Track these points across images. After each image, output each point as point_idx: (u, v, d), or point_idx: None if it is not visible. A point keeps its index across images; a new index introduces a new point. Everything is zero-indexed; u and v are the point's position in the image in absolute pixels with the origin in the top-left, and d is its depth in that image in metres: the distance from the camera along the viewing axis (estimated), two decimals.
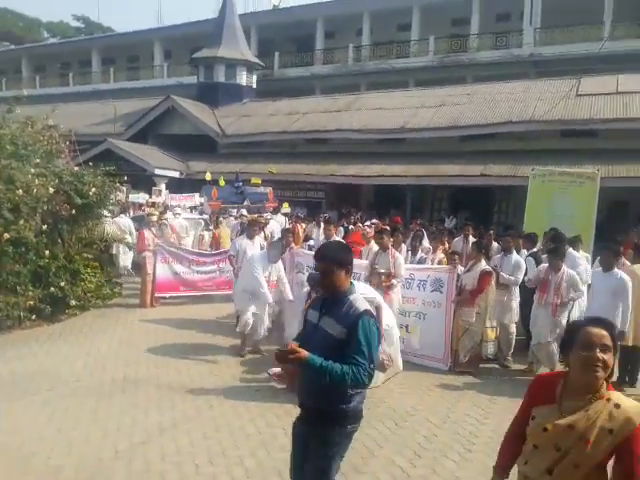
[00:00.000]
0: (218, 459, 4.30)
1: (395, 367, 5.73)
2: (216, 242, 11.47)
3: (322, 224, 11.13)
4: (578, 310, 6.89)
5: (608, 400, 2.06)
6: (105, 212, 10.11)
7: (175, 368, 6.45)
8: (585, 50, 22.15)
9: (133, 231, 12.09)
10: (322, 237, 10.03)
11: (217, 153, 22.85)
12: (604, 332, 2.08)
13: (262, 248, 8.85)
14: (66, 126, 11.61)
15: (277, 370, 6.27)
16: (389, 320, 5.59)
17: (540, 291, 6.61)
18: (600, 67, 20.31)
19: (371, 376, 2.75)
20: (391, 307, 6.38)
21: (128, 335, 7.85)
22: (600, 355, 2.05)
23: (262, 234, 10.76)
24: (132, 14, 61.10)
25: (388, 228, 8.55)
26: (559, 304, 6.43)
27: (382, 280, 6.57)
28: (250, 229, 8.75)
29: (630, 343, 6.34)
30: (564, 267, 6.52)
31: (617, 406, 2.03)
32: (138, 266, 10.31)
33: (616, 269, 6.12)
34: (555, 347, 6.53)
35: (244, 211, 14.00)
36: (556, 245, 7.09)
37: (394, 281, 6.66)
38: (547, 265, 6.69)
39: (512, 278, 7.02)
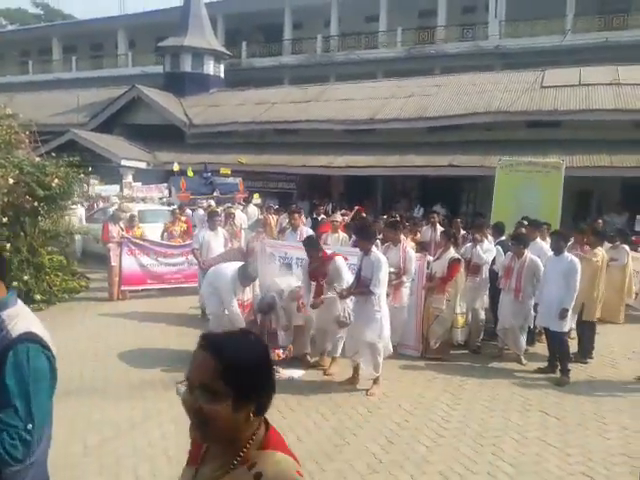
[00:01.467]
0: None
1: (386, 351, 5.74)
2: (188, 233, 11.31)
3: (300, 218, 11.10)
4: None
5: (251, 467, 1.38)
6: (71, 204, 9.86)
7: (145, 362, 6.36)
8: (549, 43, 22.61)
9: (84, 221, 12.10)
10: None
11: (185, 143, 22.49)
12: (210, 361, 1.36)
13: (226, 240, 8.83)
14: (26, 116, 11.26)
15: None
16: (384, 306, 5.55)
17: (504, 277, 6.82)
18: (564, 59, 20.78)
19: (28, 444, 1.77)
20: (401, 304, 6.43)
21: (96, 329, 7.71)
22: (191, 400, 1.36)
23: (230, 225, 10.69)
24: (93, 1, 59.22)
25: (397, 219, 8.62)
26: (522, 289, 6.62)
27: (391, 279, 6.19)
28: (212, 220, 8.67)
29: (591, 318, 6.65)
30: (527, 253, 6.70)
31: (257, 477, 1.35)
32: (103, 258, 10.11)
33: (566, 253, 6.32)
34: (520, 332, 6.73)
35: (212, 202, 13.85)
36: (518, 232, 7.33)
37: (404, 278, 6.55)
38: (510, 253, 6.87)
39: (483, 256, 7.21)
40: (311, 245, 6.14)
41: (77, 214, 11.97)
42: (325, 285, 5.89)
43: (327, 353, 6.27)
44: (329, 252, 6.23)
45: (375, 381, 5.66)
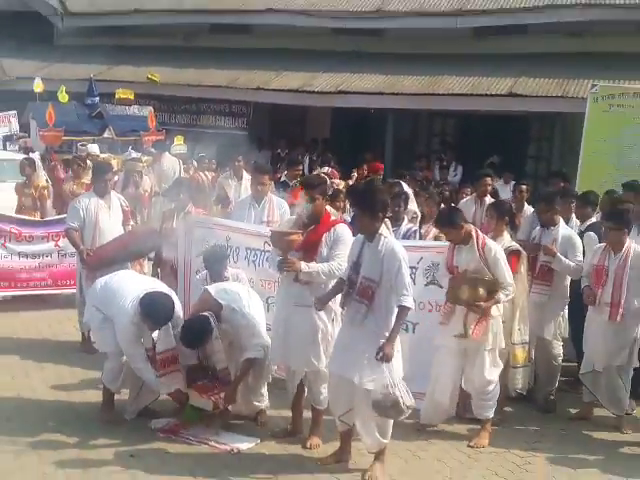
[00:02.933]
0: None
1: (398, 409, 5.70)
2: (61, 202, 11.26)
3: (245, 174, 11.09)
4: None
5: None
6: None
7: None
8: None
9: None
10: (245, 195, 9.94)
11: (54, 45, 22.24)
12: None
13: (125, 213, 8.78)
14: None
15: (165, 422, 6.33)
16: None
17: (595, 285, 6.85)
18: None
19: None
20: (484, 342, 6.43)
21: None
22: None
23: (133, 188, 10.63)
24: None
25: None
26: (623, 304, 6.68)
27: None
28: (100, 180, 8.63)
29: None
30: (630, 243, 6.80)
31: None
32: None
33: None
34: (621, 377, 6.84)
35: (95, 148, 13.78)
36: (616, 207, 7.38)
37: (501, 296, 6.51)
38: (602, 244, 6.96)
39: (570, 264, 7.14)
40: (313, 188, 6.15)
41: None
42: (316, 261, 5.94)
43: (304, 403, 6.35)
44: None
45: (378, 456, 5.72)
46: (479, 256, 6.30)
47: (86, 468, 5.56)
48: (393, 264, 5.44)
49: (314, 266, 5.81)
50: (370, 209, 5.59)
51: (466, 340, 6.30)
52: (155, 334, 6.32)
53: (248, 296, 6.41)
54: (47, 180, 12.27)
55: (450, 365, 6.44)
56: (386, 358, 5.37)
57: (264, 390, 6.58)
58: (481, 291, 6.21)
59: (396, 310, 5.46)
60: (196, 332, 6.07)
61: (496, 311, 6.38)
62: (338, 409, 5.78)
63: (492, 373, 6.36)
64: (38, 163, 12.54)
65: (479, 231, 6.56)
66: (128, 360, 6.24)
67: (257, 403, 6.58)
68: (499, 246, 6.52)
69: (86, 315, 6.97)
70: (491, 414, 6.44)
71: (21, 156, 13.74)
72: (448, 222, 6.47)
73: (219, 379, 6.25)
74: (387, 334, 5.44)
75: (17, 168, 12.09)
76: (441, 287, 6.86)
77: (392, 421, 5.61)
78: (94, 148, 13.77)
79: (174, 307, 6.21)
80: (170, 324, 6.22)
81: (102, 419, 6.45)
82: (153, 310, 6.01)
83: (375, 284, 5.50)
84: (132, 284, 6.35)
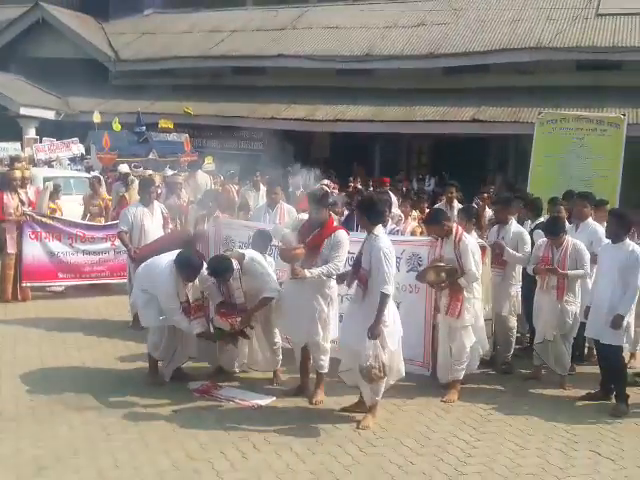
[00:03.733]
0: None
1: (395, 374, 5.84)
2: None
3: (262, 186, 11.16)
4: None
5: None
6: None
7: (56, 385, 6.33)
8: None
9: None
10: (261, 202, 10.05)
11: (109, 85, 22.28)
12: None
13: (165, 219, 8.84)
14: None
15: (199, 384, 6.35)
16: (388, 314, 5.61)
17: (542, 274, 6.92)
18: None
19: None
20: (462, 320, 6.43)
21: None
22: None
23: (175, 198, 10.66)
24: None
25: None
26: (567, 286, 6.74)
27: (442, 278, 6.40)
28: (145, 192, 8.70)
29: None
30: (567, 238, 6.85)
31: None
32: None
33: (627, 241, 6.42)
34: (564, 345, 6.86)
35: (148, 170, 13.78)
36: (554, 216, 7.43)
37: (463, 280, 6.48)
38: (546, 240, 6.99)
39: (519, 255, 7.20)
40: (318, 200, 6.15)
41: None
42: (318, 262, 5.96)
43: (310, 368, 6.35)
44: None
45: (371, 409, 5.74)
46: (453, 248, 6.36)
47: (136, 421, 5.58)
48: (378, 258, 5.51)
49: (315, 271, 5.86)
50: (369, 215, 5.75)
51: (446, 318, 6.45)
52: (188, 289, 6.39)
53: (265, 261, 6.50)
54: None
55: (441, 337, 6.61)
56: (373, 337, 5.48)
57: (278, 340, 6.61)
58: (443, 275, 6.34)
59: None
60: (221, 263, 6.16)
61: (469, 294, 6.40)
62: (341, 366, 5.91)
63: (466, 345, 6.42)
64: (102, 180, 12.59)
65: (460, 228, 6.56)
66: (168, 315, 6.19)
67: (274, 356, 6.59)
68: (474, 241, 6.57)
69: (132, 297, 7.05)
70: (461, 376, 6.47)
71: (83, 174, 13.76)
72: (434, 221, 6.58)
73: (238, 310, 6.32)
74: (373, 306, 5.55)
75: (81, 184, 12.12)
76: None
77: (383, 383, 5.66)
78: (124, 168, 13.67)
79: (202, 264, 6.33)
80: (198, 280, 6.37)
81: (148, 382, 6.47)
82: (185, 263, 6.19)
83: (367, 272, 5.61)
84: (166, 256, 6.40)
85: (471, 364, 6.62)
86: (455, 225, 6.61)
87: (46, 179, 13.39)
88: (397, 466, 4.95)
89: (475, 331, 6.55)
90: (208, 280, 6.35)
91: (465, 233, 6.56)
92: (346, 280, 5.95)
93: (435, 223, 6.54)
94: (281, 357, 6.66)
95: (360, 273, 5.72)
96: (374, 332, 5.47)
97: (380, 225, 5.86)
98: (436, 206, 10.64)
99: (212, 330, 6.49)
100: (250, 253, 6.40)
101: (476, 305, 6.54)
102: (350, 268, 6.04)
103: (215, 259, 6.37)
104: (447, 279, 6.33)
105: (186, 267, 6.19)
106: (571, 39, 17.18)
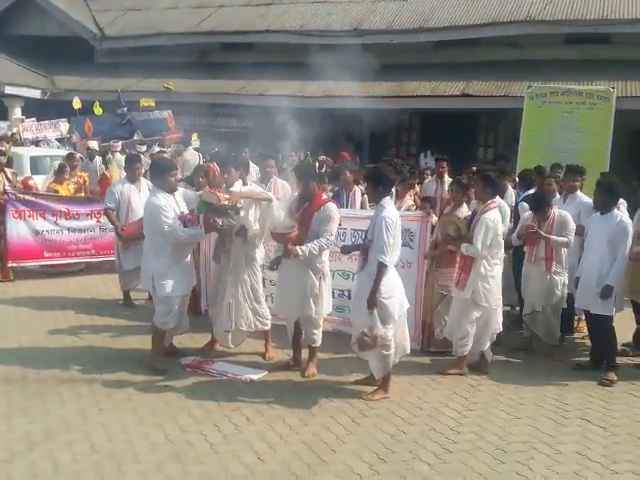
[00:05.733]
0: (111, 479, 4.31)
1: (400, 350, 5.87)
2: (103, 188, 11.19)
3: (251, 163, 11.06)
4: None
5: None
6: None
7: (46, 361, 6.36)
8: None
9: None
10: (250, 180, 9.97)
11: (94, 63, 22.09)
12: None
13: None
14: None
15: (191, 359, 6.36)
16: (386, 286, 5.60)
17: (529, 245, 6.99)
18: None
19: None
20: (468, 292, 6.33)
21: None
22: None
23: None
24: None
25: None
26: (554, 256, 6.80)
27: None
28: (130, 169, 8.67)
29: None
30: (554, 210, 6.92)
31: None
32: None
33: (615, 211, 6.46)
34: (553, 316, 6.92)
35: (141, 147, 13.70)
36: (538, 191, 7.47)
37: (465, 248, 6.40)
38: (531, 212, 7.05)
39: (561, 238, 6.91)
40: (307, 172, 6.23)
41: None
42: (310, 236, 5.96)
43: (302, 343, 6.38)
44: None
45: (382, 384, 5.80)
46: (475, 215, 6.41)
47: (129, 396, 5.61)
48: (379, 227, 5.51)
49: (307, 248, 5.85)
50: (380, 186, 5.73)
51: (455, 290, 6.46)
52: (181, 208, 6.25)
53: None
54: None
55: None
56: (369, 306, 5.50)
57: (262, 300, 6.57)
58: (451, 230, 6.52)
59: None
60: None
61: (481, 270, 6.20)
62: (352, 338, 5.86)
63: (460, 320, 6.30)
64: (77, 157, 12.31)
65: (494, 204, 6.36)
66: (171, 237, 5.99)
67: (258, 315, 6.51)
68: (493, 219, 6.20)
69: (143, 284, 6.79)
70: (464, 352, 6.37)
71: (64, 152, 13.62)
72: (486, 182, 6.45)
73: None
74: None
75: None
76: (412, 248, 6.95)
77: (389, 357, 5.68)
78: (93, 144, 13.51)
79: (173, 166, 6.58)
80: (185, 198, 6.37)
81: (151, 367, 6.18)
82: (157, 165, 6.45)
83: (370, 243, 5.62)
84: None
85: (480, 343, 6.43)
86: (497, 200, 6.56)
87: (33, 158, 13.32)
88: (389, 435, 5.01)
89: (487, 313, 6.36)
90: (193, 196, 6.48)
91: (494, 209, 6.34)
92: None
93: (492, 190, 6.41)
94: (269, 323, 6.60)
95: (365, 244, 5.74)
96: (370, 302, 5.48)
97: (388, 197, 5.84)
98: (426, 181, 10.74)
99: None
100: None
101: (488, 286, 6.24)
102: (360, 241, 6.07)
103: None
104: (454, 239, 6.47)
105: (160, 168, 6.23)
106: (560, 11, 17.11)
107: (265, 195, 6.41)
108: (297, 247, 5.84)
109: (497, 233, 6.24)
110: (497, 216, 6.29)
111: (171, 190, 6.17)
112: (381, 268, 5.49)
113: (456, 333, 6.38)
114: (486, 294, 6.23)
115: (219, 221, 6.05)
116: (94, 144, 13.42)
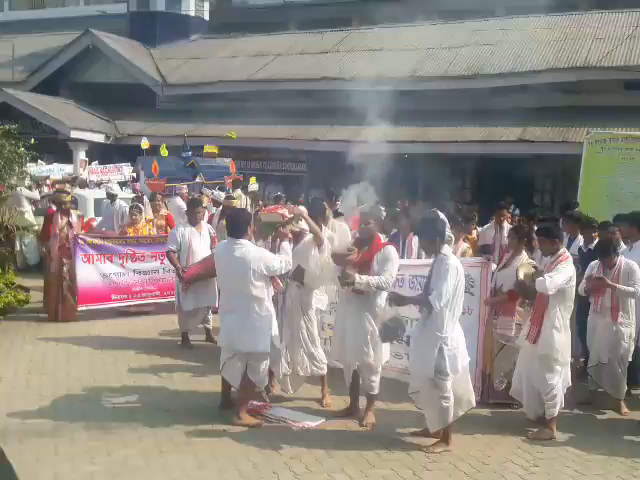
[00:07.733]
0: None
1: (465, 403, 5.77)
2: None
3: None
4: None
5: None
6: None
7: (108, 402, 6.42)
8: None
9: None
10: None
11: (156, 110, 22.67)
12: None
13: (212, 239, 8.96)
14: None
15: (253, 404, 6.34)
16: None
17: (594, 294, 6.84)
18: None
19: None
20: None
21: (40, 359, 7.79)
22: None
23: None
24: None
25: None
26: (621, 306, 6.63)
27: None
28: (193, 212, 8.78)
29: None
30: (620, 259, 6.76)
31: None
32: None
33: None
34: (620, 368, 6.70)
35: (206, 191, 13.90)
36: (605, 238, 7.28)
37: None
38: (597, 261, 6.90)
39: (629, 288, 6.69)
40: (369, 216, 6.29)
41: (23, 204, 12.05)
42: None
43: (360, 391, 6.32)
44: None
45: (443, 437, 5.67)
46: (551, 262, 6.15)
47: (189, 439, 5.61)
48: (441, 273, 5.45)
49: (364, 278, 5.86)
50: (427, 236, 5.69)
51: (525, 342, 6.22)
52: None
53: None
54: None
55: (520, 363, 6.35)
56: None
57: (318, 347, 6.52)
58: (522, 275, 6.26)
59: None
60: None
61: (555, 322, 5.99)
62: (410, 388, 5.87)
63: (546, 377, 6.00)
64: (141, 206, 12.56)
65: (565, 256, 6.14)
66: (285, 268, 6.03)
67: (312, 360, 6.46)
68: (568, 267, 6.03)
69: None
70: (554, 413, 6.03)
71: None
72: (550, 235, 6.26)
73: None
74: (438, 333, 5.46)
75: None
76: (472, 295, 6.86)
77: (449, 410, 5.55)
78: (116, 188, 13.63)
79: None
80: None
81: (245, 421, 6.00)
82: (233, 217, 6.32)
83: (432, 290, 5.51)
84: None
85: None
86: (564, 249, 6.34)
87: (97, 200, 13.66)
88: None
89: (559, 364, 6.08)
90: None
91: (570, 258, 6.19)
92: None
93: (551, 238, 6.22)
94: (325, 367, 6.53)
95: (424, 295, 5.63)
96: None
97: (446, 245, 5.78)
98: (485, 227, 10.61)
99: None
100: None
101: (557, 335, 5.99)
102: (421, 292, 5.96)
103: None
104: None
105: (244, 222, 6.12)
106: (619, 58, 16.98)
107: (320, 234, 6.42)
108: (355, 274, 5.84)
109: (572, 284, 6.10)
110: (573, 268, 6.11)
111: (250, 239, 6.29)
112: (428, 304, 5.42)
113: (542, 391, 6.03)
114: (561, 348, 6.01)
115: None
116: (116, 187, 13.57)
